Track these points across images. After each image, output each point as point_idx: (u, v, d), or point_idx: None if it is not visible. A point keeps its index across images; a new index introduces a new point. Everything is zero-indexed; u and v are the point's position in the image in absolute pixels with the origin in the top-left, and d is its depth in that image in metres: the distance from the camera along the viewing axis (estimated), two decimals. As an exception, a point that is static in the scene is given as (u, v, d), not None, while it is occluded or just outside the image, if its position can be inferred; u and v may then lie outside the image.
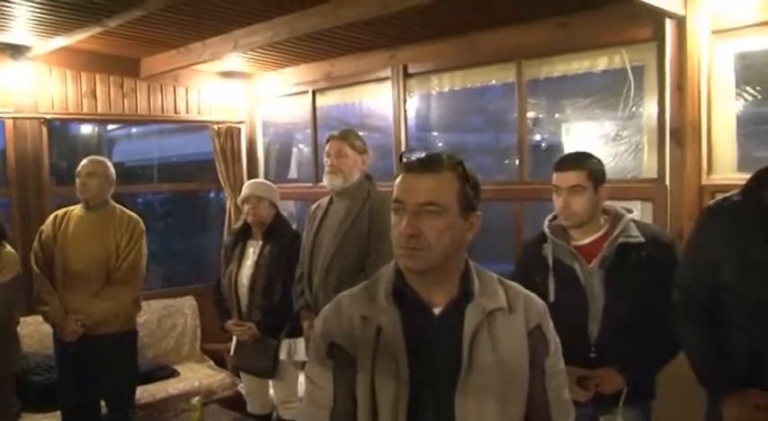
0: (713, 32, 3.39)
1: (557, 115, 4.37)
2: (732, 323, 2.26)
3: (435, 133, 5.11)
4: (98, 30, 4.14)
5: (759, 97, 3.34)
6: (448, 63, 4.54)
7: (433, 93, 4.79)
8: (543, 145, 4.71)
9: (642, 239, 2.57)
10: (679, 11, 3.37)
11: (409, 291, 1.65)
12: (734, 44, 3.40)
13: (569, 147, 4.14)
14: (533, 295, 1.74)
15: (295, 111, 5.75)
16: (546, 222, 2.75)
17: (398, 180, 1.63)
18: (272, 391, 4.20)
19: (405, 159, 1.65)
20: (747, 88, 3.38)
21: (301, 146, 5.94)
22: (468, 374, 1.56)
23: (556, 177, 2.62)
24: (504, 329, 1.62)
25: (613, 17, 3.66)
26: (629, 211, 2.69)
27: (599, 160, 2.67)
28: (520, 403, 1.62)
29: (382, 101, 5.01)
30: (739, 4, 3.26)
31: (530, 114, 4.32)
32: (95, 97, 5.21)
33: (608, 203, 2.71)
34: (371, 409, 1.58)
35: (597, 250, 2.59)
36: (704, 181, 3.40)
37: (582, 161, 2.61)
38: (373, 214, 3.38)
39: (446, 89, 4.66)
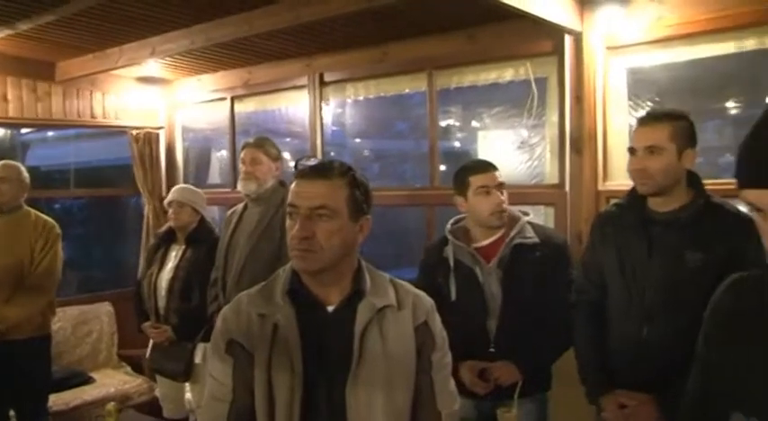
0: (608, 48, 3.61)
1: (469, 123, 4.54)
2: (609, 322, 2.48)
3: (354, 140, 5.22)
4: (8, 32, 4.10)
5: (648, 110, 3.56)
6: (362, 72, 4.66)
7: (349, 100, 4.90)
8: (454, 151, 4.86)
9: (537, 240, 2.74)
10: (576, 27, 3.58)
11: (304, 290, 1.75)
12: (626, 60, 3.64)
13: (481, 154, 4.30)
14: (422, 293, 1.87)
15: (214, 117, 5.77)
16: (448, 226, 2.90)
17: (293, 186, 1.73)
18: (188, 395, 4.22)
19: (299, 166, 1.75)
20: (638, 101, 3.61)
21: (222, 151, 5.95)
22: (359, 367, 1.67)
23: (482, 178, 2.76)
24: (393, 325, 1.74)
25: (518, 31, 3.84)
26: (526, 214, 2.86)
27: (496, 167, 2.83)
28: (407, 393, 1.74)
29: (300, 108, 5.09)
30: (630, 24, 3.49)
31: (444, 123, 4.49)
32: (6, 100, 5.11)
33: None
34: (268, 402, 1.67)
35: (496, 251, 2.75)
36: (600, 187, 3.61)
37: (495, 167, 2.80)
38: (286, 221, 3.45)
39: (361, 97, 4.78)
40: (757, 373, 1.10)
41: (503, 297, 2.71)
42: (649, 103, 3.57)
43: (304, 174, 1.72)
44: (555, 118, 3.87)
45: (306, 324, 1.71)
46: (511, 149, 4.12)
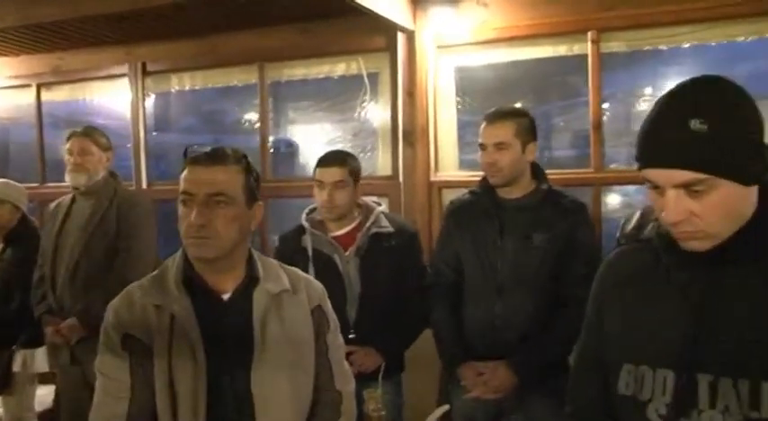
0: (438, 47, 3.85)
1: (300, 116, 4.58)
2: (466, 300, 2.69)
3: (179, 133, 5.05)
4: None
5: (473, 106, 3.84)
6: (189, 63, 4.54)
7: (173, 91, 4.74)
8: (282, 146, 4.88)
9: (391, 229, 2.86)
10: (409, 26, 3.77)
11: (198, 279, 1.72)
12: (454, 59, 3.89)
13: (315, 147, 4.37)
14: (312, 278, 1.92)
15: (13, 105, 5.29)
16: (304, 215, 2.93)
17: (185, 173, 1.69)
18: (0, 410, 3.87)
19: (190, 153, 1.71)
20: (465, 98, 3.87)
21: (23, 142, 5.47)
22: (262, 352, 1.68)
23: (320, 173, 2.80)
24: (291, 308, 1.77)
25: (351, 27, 3.95)
26: (379, 204, 2.98)
27: (356, 158, 2.92)
28: (309, 373, 1.79)
29: (117, 99, 4.84)
30: (458, 25, 3.73)
31: (278, 116, 4.50)
32: None
33: (360, 198, 2.96)
34: (170, 395, 1.63)
35: (352, 240, 2.83)
36: (432, 178, 3.83)
37: (344, 158, 2.83)
38: (121, 213, 3.30)
39: (187, 88, 4.65)
40: (646, 327, 1.27)
41: (361, 284, 2.80)
42: (475, 100, 3.84)
43: (198, 160, 1.68)
44: (387, 112, 4.04)
45: (203, 313, 1.69)
46: (345, 142, 4.23)
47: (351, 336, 2.77)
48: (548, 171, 2.71)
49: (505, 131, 2.54)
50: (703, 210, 1.14)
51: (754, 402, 1.11)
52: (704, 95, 1.15)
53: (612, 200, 3.78)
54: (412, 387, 3.05)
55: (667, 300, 1.25)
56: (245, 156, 1.74)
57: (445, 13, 3.70)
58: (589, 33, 3.55)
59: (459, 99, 3.90)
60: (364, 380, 2.67)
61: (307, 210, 2.96)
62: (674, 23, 3.46)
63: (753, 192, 1.18)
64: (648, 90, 3.77)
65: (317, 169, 2.81)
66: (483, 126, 2.61)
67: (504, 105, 2.85)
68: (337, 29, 4.02)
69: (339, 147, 4.14)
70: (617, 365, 1.29)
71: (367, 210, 2.90)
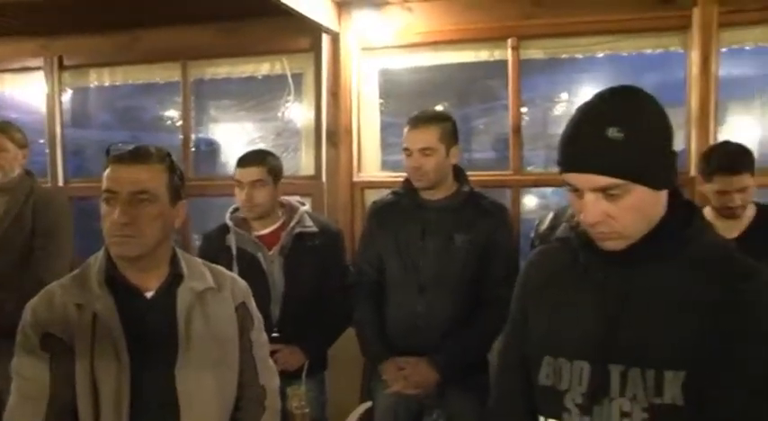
0: (362, 49, 3.89)
1: (222, 115, 4.54)
2: (388, 298, 2.75)
3: (98, 130, 4.92)
4: None
5: (397, 108, 3.90)
6: (109, 58, 4.43)
7: (92, 87, 4.62)
8: (203, 145, 4.82)
9: (315, 229, 2.89)
10: (334, 27, 3.80)
11: (121, 278, 1.71)
12: (378, 61, 3.95)
13: (239, 146, 4.34)
14: (237, 276, 1.93)
15: None
16: (228, 214, 2.93)
17: (108, 171, 1.68)
18: None
19: (113, 151, 1.70)
20: (389, 100, 3.93)
21: None
22: (187, 350, 1.69)
23: (239, 173, 2.80)
24: (215, 306, 1.79)
25: (276, 27, 3.94)
26: (303, 204, 3.00)
27: (277, 157, 2.93)
28: (233, 370, 1.81)
29: (32, 92, 4.69)
30: (381, 28, 3.79)
31: (202, 114, 4.46)
32: None
33: (282, 198, 2.97)
34: (93, 395, 1.61)
35: (276, 239, 2.84)
36: (355, 178, 3.87)
37: (263, 158, 2.84)
38: (37, 211, 3.21)
39: (106, 84, 4.54)
40: (565, 322, 1.34)
41: (285, 283, 2.82)
42: (398, 103, 3.91)
43: (122, 158, 1.68)
44: (311, 112, 4.06)
45: (126, 311, 1.68)
46: (268, 141, 4.23)
47: (274, 335, 2.78)
48: (468, 173, 2.78)
49: (430, 136, 2.59)
50: (618, 212, 1.22)
51: (659, 390, 1.20)
52: (621, 105, 1.23)
53: (530, 201, 3.91)
54: (335, 384, 3.09)
55: (584, 297, 1.32)
56: (168, 155, 1.75)
57: (369, 15, 3.75)
58: (509, 40, 3.67)
59: (382, 101, 3.96)
60: (288, 377, 2.69)
61: (231, 209, 2.95)
62: (589, 34, 3.62)
63: (663, 196, 1.27)
64: (565, 95, 3.93)
65: (237, 169, 2.82)
66: (407, 130, 2.65)
67: (427, 109, 2.92)
68: (262, 28, 4.01)
69: (262, 146, 4.14)
70: (538, 358, 1.36)
71: (291, 210, 2.92)
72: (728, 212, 2.73)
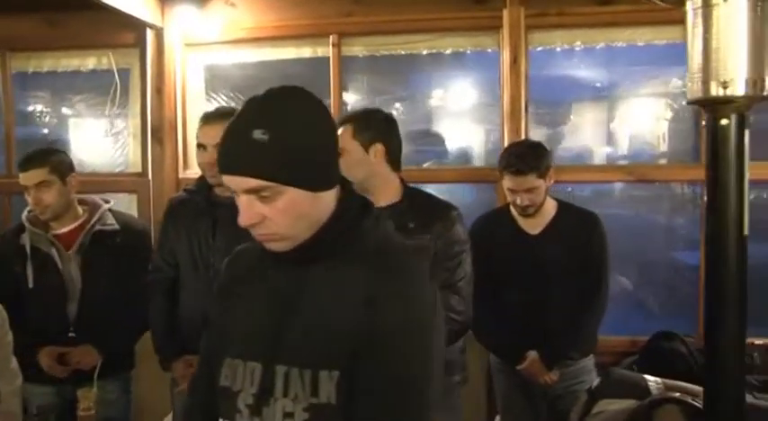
0: (186, 45, 3.86)
1: (48, 110, 4.39)
2: (181, 295, 2.72)
3: None
4: None
5: (224, 104, 3.88)
6: None
7: None
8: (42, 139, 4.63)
9: (117, 227, 2.86)
10: (157, 22, 3.75)
11: None
12: (204, 57, 3.93)
13: (72, 142, 4.24)
14: None
15: None
16: (24, 213, 2.85)
17: None
18: None
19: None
20: (215, 96, 3.93)
21: None
22: None
23: (21, 177, 2.74)
24: None
25: (100, 21, 3.82)
26: (107, 202, 2.95)
27: (63, 153, 2.86)
28: None
29: None
30: (206, 24, 3.76)
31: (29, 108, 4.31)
32: None
33: (86, 196, 2.92)
34: None
35: (75, 238, 2.79)
36: (181, 175, 3.84)
37: (44, 158, 2.77)
38: None
39: None
40: (242, 323, 1.35)
41: (82, 282, 2.78)
42: (225, 98, 3.90)
43: None
44: (138, 108, 3.99)
45: None
46: (98, 137, 4.14)
47: (71, 335, 2.75)
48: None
49: (217, 132, 2.57)
50: (273, 214, 1.21)
51: (315, 390, 1.22)
52: (270, 106, 1.23)
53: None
54: (146, 383, 3.07)
55: (260, 297, 1.34)
56: None
57: (192, 11, 3.71)
58: (331, 37, 3.72)
59: (208, 97, 3.94)
60: (82, 380, 2.67)
61: (28, 208, 2.88)
62: (409, 32, 3.72)
63: (328, 195, 1.28)
64: (390, 93, 4.02)
65: (19, 173, 2.74)
66: (201, 126, 2.63)
67: (222, 106, 2.91)
68: (86, 22, 3.89)
69: (90, 142, 4.06)
70: (221, 359, 1.36)
71: (93, 208, 2.88)
72: (519, 210, 2.88)
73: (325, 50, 3.76)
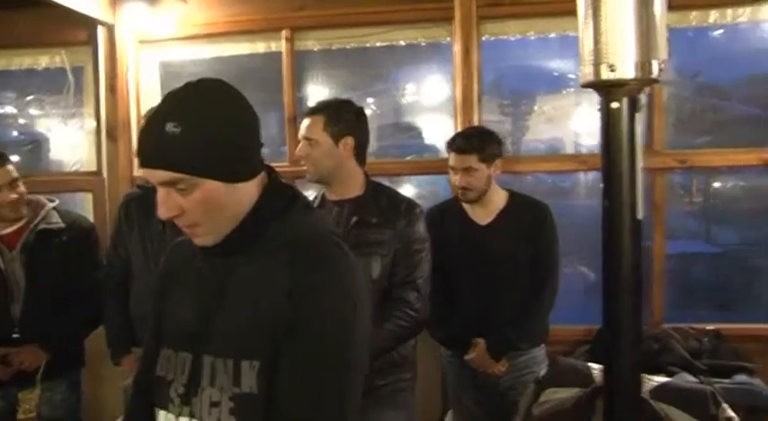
0: (140, 42, 3.83)
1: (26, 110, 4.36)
2: (134, 293, 2.75)
3: None
4: None
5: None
6: None
7: None
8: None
9: (63, 225, 2.84)
10: (109, 20, 3.73)
11: None
12: (158, 53, 3.91)
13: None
14: None
15: None
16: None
17: None
18: None
19: None
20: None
21: None
22: None
23: None
24: None
25: (52, 18, 3.79)
26: (52, 201, 2.93)
27: (3, 154, 2.83)
28: None
29: None
30: (160, 20, 3.74)
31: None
32: None
33: (32, 195, 2.90)
34: None
35: (20, 237, 2.78)
36: (136, 173, 3.80)
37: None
38: None
39: None
40: (176, 313, 1.37)
41: (26, 281, 2.76)
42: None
43: None
44: (92, 107, 3.96)
45: None
46: (53, 136, 4.11)
47: (15, 336, 2.73)
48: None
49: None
50: (190, 206, 1.22)
51: (237, 379, 1.23)
52: (185, 99, 1.23)
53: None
54: (95, 380, 3.06)
55: (191, 289, 1.35)
56: None
57: (143, 7, 3.69)
58: (283, 31, 3.71)
59: (164, 94, 3.90)
60: (26, 381, 2.66)
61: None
62: (362, 25, 3.70)
63: (249, 187, 1.28)
64: (341, 87, 4.01)
65: None
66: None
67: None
68: (37, 19, 3.86)
69: (45, 142, 4.04)
70: (158, 350, 1.37)
71: (37, 207, 2.86)
72: (459, 193, 2.88)
73: (279, 45, 3.74)
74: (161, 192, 1.23)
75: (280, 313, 1.21)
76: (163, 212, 1.24)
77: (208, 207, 1.23)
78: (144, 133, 1.24)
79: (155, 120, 1.22)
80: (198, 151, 1.19)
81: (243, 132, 1.27)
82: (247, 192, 1.29)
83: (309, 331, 1.21)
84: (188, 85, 1.26)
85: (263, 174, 1.33)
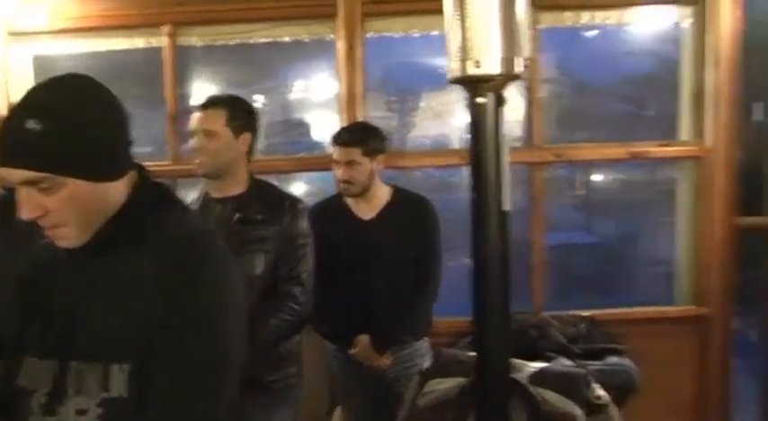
0: (10, 34, 3.64)
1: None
2: None
3: None
4: None
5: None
6: None
7: None
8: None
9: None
10: (-30, 10, 3.52)
11: None
12: (32, 47, 3.73)
13: None
14: None
15: None
16: None
17: None
18: None
19: None
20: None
21: None
22: None
23: None
24: None
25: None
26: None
27: None
28: None
29: None
30: (32, 13, 3.56)
31: None
32: None
33: None
34: None
35: None
36: None
37: None
38: None
39: None
40: (42, 318, 1.29)
41: None
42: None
43: None
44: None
45: None
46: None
47: None
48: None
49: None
50: (55, 206, 1.18)
51: (106, 384, 1.19)
52: (47, 96, 1.20)
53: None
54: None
55: (56, 293, 1.30)
56: None
57: (11, -1, 3.52)
58: (164, 27, 3.61)
59: (39, 88, 3.74)
60: None
61: None
62: (246, 21, 3.66)
63: (116, 186, 1.25)
64: (227, 84, 3.95)
65: None
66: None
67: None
68: None
69: None
70: (21, 359, 1.30)
71: None
72: (342, 187, 2.91)
73: (159, 40, 3.64)
74: (22, 192, 1.18)
75: (151, 313, 1.19)
76: (26, 213, 1.19)
77: (73, 207, 1.20)
78: (3, 130, 1.18)
79: (15, 116, 1.17)
80: (60, 149, 1.16)
81: (108, 129, 1.23)
82: (115, 191, 1.26)
83: (182, 330, 1.19)
84: (52, 80, 1.23)
85: (132, 173, 1.30)
